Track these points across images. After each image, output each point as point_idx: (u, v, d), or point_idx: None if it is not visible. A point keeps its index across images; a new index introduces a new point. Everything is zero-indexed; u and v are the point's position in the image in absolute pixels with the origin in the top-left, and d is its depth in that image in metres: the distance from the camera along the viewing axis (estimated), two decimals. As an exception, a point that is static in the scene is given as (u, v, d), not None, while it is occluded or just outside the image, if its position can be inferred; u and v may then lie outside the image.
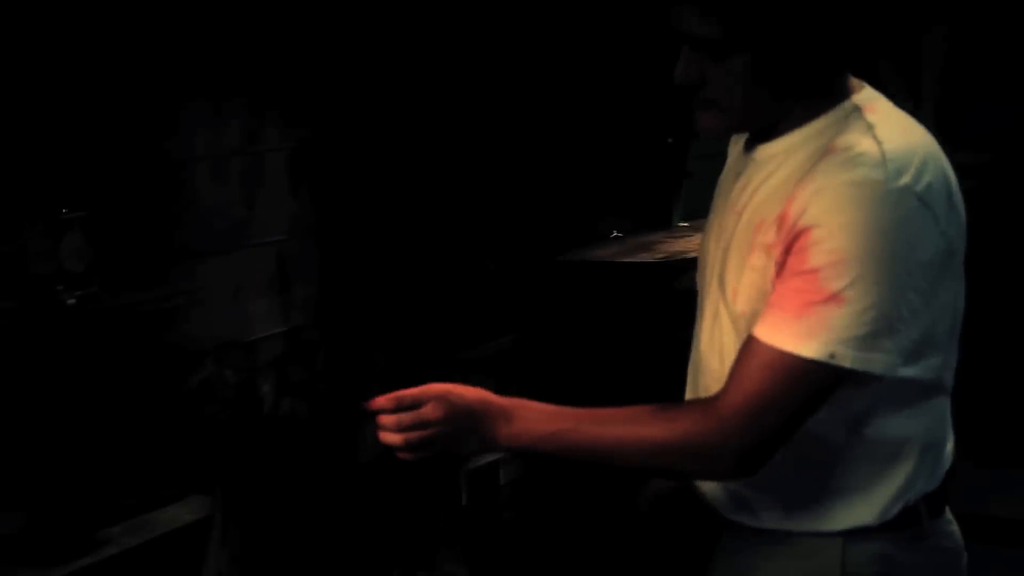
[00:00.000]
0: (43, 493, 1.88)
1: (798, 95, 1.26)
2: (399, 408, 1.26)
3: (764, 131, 1.30)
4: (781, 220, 1.20)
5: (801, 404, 1.19)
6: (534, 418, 1.27)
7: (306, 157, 2.45)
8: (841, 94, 1.27)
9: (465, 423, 1.26)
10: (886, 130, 1.22)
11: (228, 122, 2.28)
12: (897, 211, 1.16)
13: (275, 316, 2.37)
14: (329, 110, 2.49)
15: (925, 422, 1.28)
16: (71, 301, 1.86)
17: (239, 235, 2.32)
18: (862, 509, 1.27)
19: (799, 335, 1.16)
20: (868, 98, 1.28)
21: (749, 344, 1.21)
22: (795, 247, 1.18)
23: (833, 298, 1.15)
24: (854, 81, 1.30)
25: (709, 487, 1.35)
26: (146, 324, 2.06)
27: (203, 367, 2.20)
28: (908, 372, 1.22)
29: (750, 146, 1.33)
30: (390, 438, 1.27)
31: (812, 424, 1.23)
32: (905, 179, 1.17)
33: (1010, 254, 4.01)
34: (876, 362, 1.17)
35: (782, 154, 1.27)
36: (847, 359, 1.16)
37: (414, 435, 1.26)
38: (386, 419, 1.27)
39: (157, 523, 1.97)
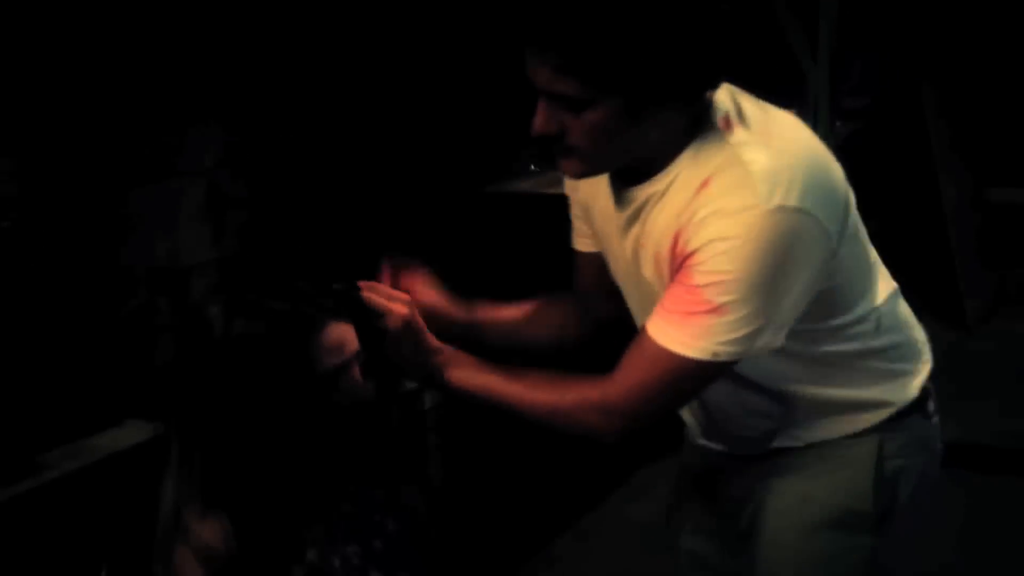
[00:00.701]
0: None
1: (659, 134, 1.27)
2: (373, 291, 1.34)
3: (631, 170, 1.32)
4: (673, 246, 1.28)
5: (684, 392, 1.33)
6: (455, 362, 1.38)
7: (235, 90, 2.43)
8: (702, 118, 1.28)
9: (413, 336, 1.35)
10: (751, 148, 1.25)
11: (160, 52, 2.24)
12: (774, 231, 1.21)
13: (207, 243, 2.36)
14: (258, 43, 2.46)
15: (906, 317, 1.47)
16: (4, 224, 1.83)
17: (171, 163, 2.30)
18: (890, 407, 1.44)
19: (683, 339, 1.25)
20: (727, 110, 1.29)
21: (641, 336, 1.29)
22: (683, 264, 1.26)
23: (715, 310, 1.23)
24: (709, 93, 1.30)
25: (735, 435, 1.51)
26: (80, 249, 2.03)
27: (137, 293, 2.20)
28: (840, 320, 1.37)
29: (619, 187, 1.35)
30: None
31: (829, 354, 1.39)
32: (777, 198, 1.21)
33: (880, 185, 4.22)
34: (760, 349, 1.28)
35: (659, 193, 1.30)
36: (729, 355, 1.26)
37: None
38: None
39: (96, 448, 1.98)
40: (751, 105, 1.31)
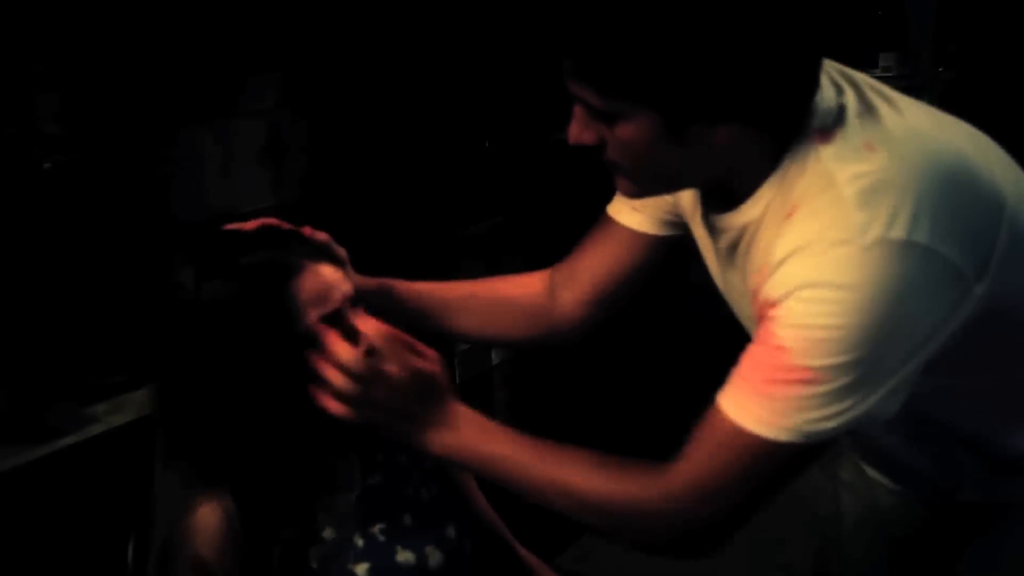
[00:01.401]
0: (25, 370, 1.80)
1: (727, 155, 1.01)
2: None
3: (717, 194, 1.09)
4: (755, 292, 1.04)
5: (770, 482, 1.02)
6: (473, 434, 1.12)
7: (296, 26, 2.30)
8: (789, 126, 1.01)
9: (420, 401, 1.11)
10: (848, 164, 0.97)
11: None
12: (876, 274, 0.94)
13: (266, 189, 2.26)
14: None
15: None
16: (47, 165, 1.74)
17: (228, 103, 2.18)
18: None
19: (766, 417, 0.98)
20: (826, 114, 1.01)
21: (712, 411, 1.02)
22: (765, 316, 1.00)
23: (805, 379, 0.96)
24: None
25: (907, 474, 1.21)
26: (129, 193, 1.94)
27: (189, 242, 2.11)
28: None
29: (708, 211, 1.12)
30: (333, 376, 1.09)
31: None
32: (877, 229, 0.94)
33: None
34: (864, 421, 0.99)
35: (754, 224, 1.05)
36: (824, 435, 0.98)
37: (358, 388, 1.09)
38: (339, 348, 1.09)
39: (144, 402, 1.90)
40: (858, 101, 1.03)
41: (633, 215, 1.29)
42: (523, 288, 1.39)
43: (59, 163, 1.75)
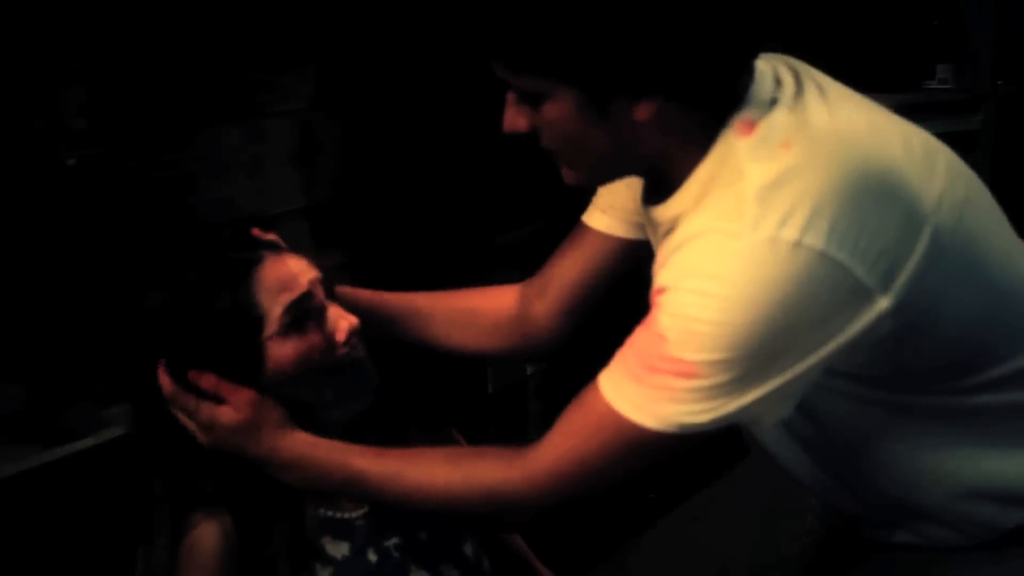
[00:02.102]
0: (43, 369, 1.77)
1: (655, 138, 0.99)
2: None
3: (654, 184, 1.06)
4: (653, 279, 1.02)
5: (634, 465, 1.03)
6: (313, 469, 1.13)
7: (331, 22, 2.26)
8: (715, 108, 0.98)
9: (240, 447, 1.13)
10: (759, 159, 0.94)
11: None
12: (757, 270, 0.91)
13: (297, 189, 2.21)
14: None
15: None
16: (71, 161, 1.71)
17: (260, 102, 2.14)
18: None
19: (640, 401, 0.98)
20: (758, 103, 0.98)
21: (590, 390, 1.03)
22: (653, 302, 0.98)
23: (681, 371, 0.95)
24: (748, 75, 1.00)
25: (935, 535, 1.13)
26: (155, 191, 1.90)
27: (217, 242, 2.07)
28: (981, 377, 1.02)
29: (645, 205, 1.09)
30: (165, 384, 1.14)
31: (971, 407, 1.04)
32: (769, 226, 0.90)
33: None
34: (747, 420, 0.97)
35: (681, 219, 1.01)
36: (699, 428, 0.97)
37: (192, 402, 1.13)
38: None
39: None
40: (793, 97, 0.99)
41: (602, 218, 1.27)
42: (492, 300, 1.39)
43: (83, 159, 1.71)
